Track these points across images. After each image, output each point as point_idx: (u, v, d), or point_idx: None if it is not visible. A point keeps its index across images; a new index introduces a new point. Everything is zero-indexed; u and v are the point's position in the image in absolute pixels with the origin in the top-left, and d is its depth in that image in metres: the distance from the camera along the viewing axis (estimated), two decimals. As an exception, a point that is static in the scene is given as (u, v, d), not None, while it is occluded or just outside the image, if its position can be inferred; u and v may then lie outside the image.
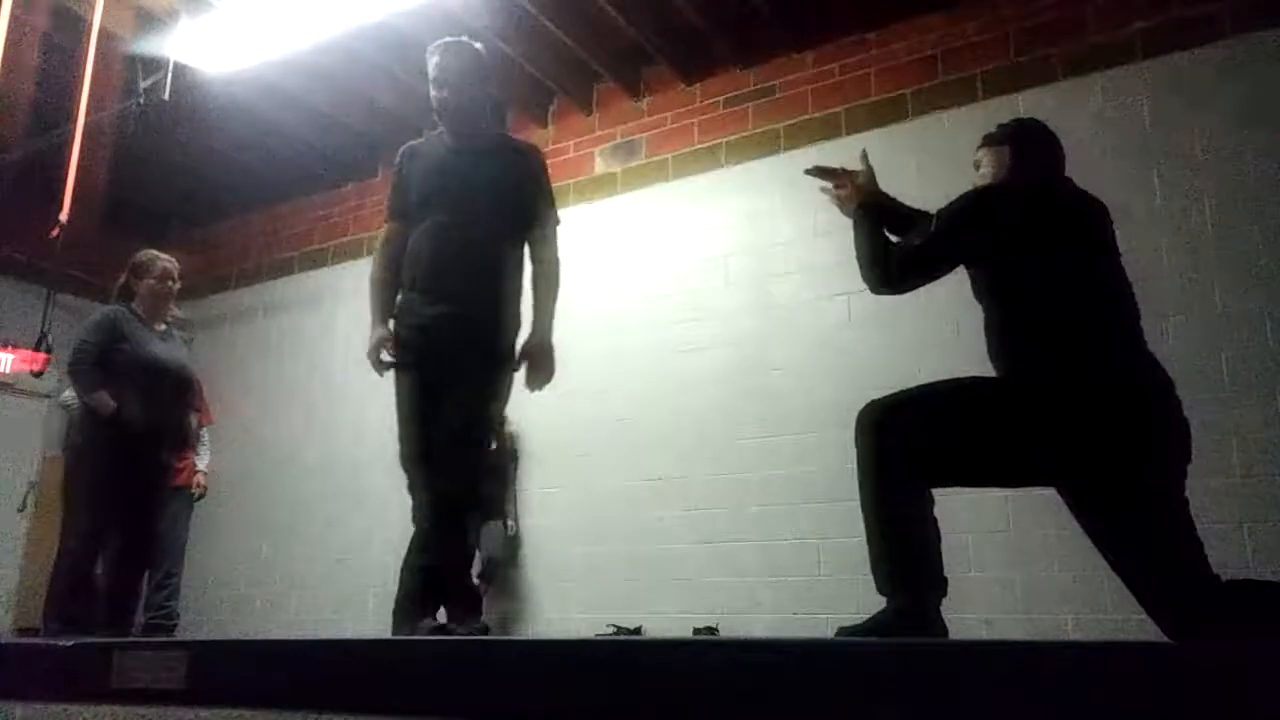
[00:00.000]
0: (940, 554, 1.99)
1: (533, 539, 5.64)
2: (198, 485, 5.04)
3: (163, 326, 3.85)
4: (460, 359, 2.65)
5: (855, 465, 2.07)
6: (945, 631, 1.94)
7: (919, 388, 2.15)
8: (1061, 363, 1.99)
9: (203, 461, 5.11)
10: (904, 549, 1.97)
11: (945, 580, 1.98)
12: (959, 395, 2.09)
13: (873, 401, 2.11)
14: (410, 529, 2.70)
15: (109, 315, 3.73)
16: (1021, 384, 2.02)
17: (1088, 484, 1.98)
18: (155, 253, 3.96)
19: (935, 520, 2.01)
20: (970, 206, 2.18)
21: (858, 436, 2.07)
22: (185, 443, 4.03)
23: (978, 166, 2.36)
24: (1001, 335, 2.11)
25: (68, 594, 3.56)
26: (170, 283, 3.86)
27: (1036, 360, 2.02)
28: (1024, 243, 2.08)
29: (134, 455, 3.58)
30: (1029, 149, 2.28)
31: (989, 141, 2.34)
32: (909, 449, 2.00)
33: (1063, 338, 2.01)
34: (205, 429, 5.19)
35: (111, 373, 3.60)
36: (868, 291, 5.30)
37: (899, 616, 1.91)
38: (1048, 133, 2.31)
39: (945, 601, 2.00)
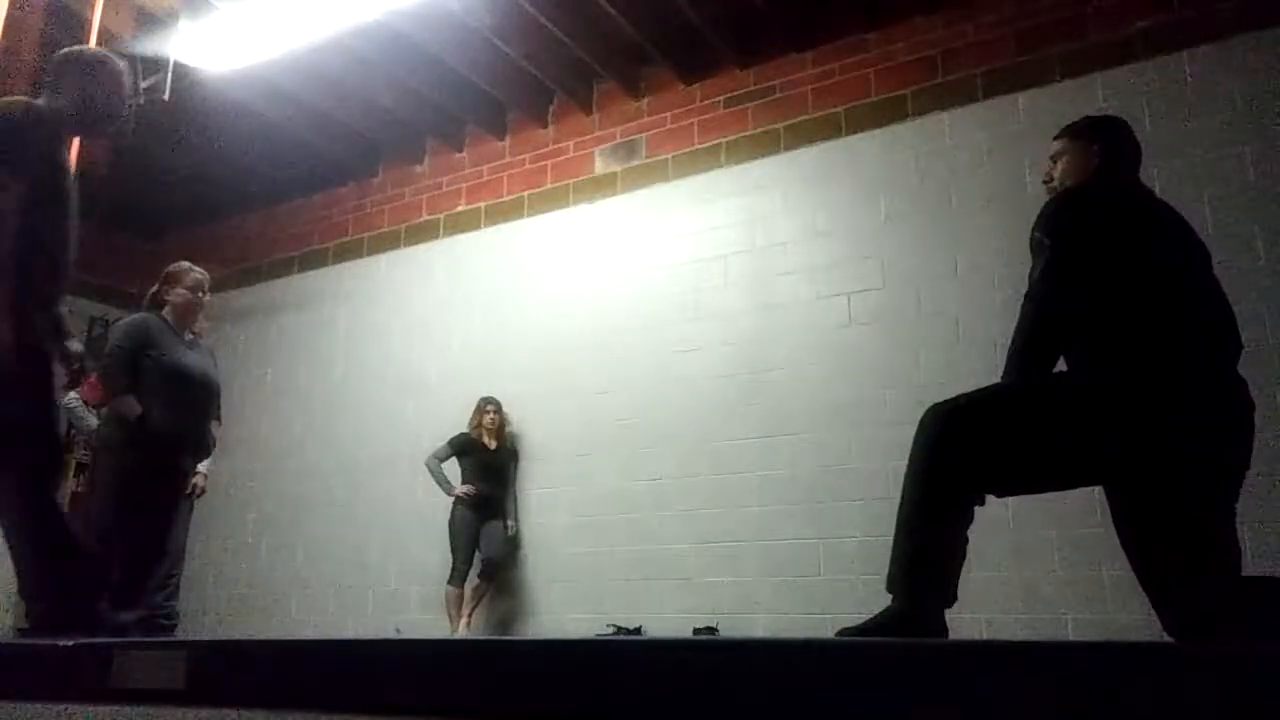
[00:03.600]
0: (959, 569, 1.96)
1: (533, 539, 5.64)
2: (196, 486, 5.02)
3: (190, 336, 3.93)
4: None
5: (906, 460, 2.02)
6: (945, 634, 1.93)
7: (986, 390, 2.06)
8: (1146, 362, 1.94)
9: (202, 463, 5.09)
10: (925, 556, 1.94)
11: (955, 595, 1.95)
12: (1028, 397, 2.02)
13: (937, 404, 2.03)
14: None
15: (140, 321, 3.80)
16: (1099, 381, 1.97)
17: (1151, 485, 1.93)
18: (188, 264, 4.03)
19: (966, 538, 1.97)
20: (1069, 212, 2.08)
21: (918, 437, 2.00)
22: (208, 451, 4.09)
23: (1056, 159, 2.27)
24: (1091, 329, 2.03)
25: (82, 591, 3.60)
26: (201, 294, 3.95)
27: (1121, 358, 1.97)
28: (1122, 241, 2.02)
29: (156, 461, 3.63)
30: (1121, 149, 2.22)
31: (1075, 134, 2.26)
32: (967, 461, 1.95)
33: (1152, 338, 1.96)
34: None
35: (139, 378, 3.66)
36: (868, 291, 5.32)
37: (898, 619, 1.90)
38: (1135, 137, 2.25)
39: None
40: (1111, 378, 1.96)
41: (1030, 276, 2.08)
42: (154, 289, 3.94)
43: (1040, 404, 2.01)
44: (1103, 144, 2.22)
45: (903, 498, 1.99)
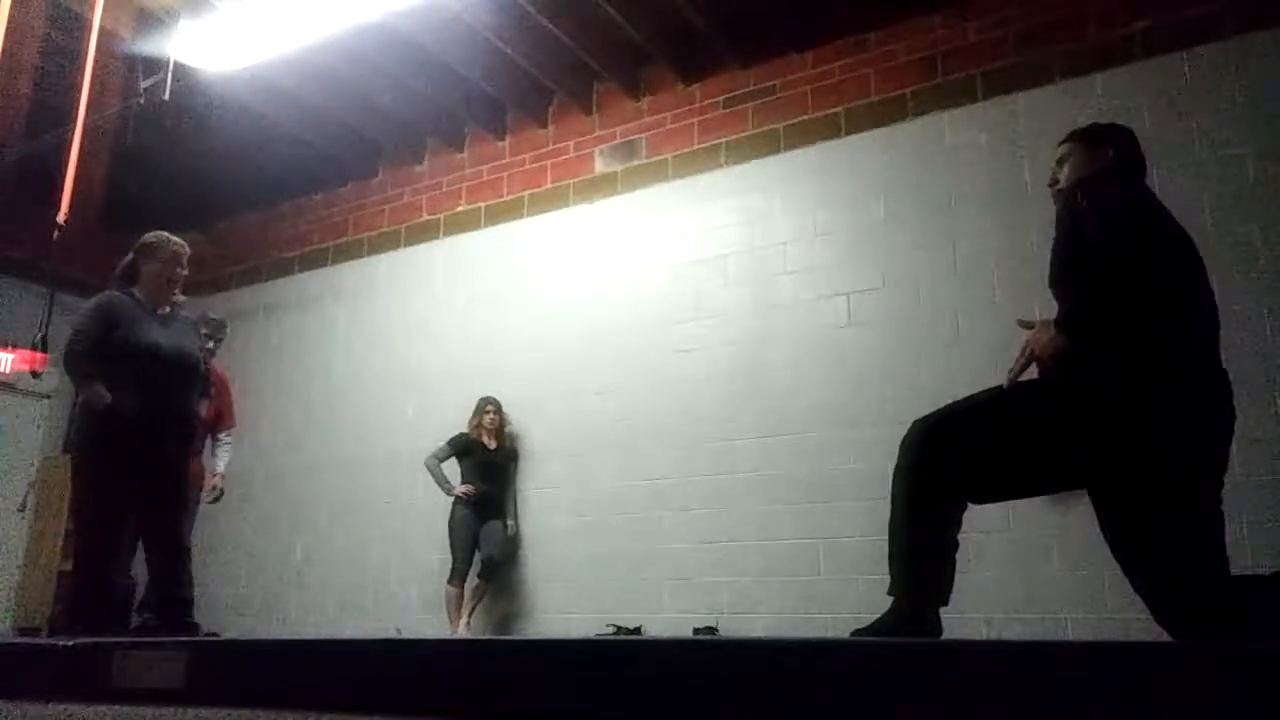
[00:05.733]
0: (952, 569, 2.04)
1: (533, 539, 5.64)
2: (213, 489, 4.89)
3: (165, 311, 3.61)
4: None
5: (891, 475, 2.09)
6: (939, 633, 2.01)
7: (965, 402, 2.11)
8: (1128, 364, 1.96)
9: (220, 464, 4.91)
10: (918, 561, 2.02)
11: (948, 595, 2.04)
12: (1006, 407, 2.06)
13: (919, 419, 2.10)
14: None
15: (103, 301, 3.50)
16: (1080, 385, 1.99)
17: (1134, 487, 1.95)
18: (166, 234, 3.71)
19: (956, 541, 2.05)
20: (1128, 229, 2.02)
21: (901, 452, 2.08)
22: (192, 433, 3.76)
23: (1062, 162, 2.27)
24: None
25: (87, 595, 3.41)
26: (178, 268, 3.64)
27: (1107, 359, 1.98)
28: (1142, 246, 2.01)
29: (136, 449, 3.38)
30: (1131, 156, 2.23)
31: (1084, 138, 2.27)
32: (951, 471, 2.02)
33: (1138, 341, 1.97)
34: (227, 431, 5.03)
35: (108, 362, 3.38)
36: (868, 291, 5.32)
37: (899, 618, 1.98)
38: (1140, 147, 2.27)
39: None
40: (1092, 380, 1.98)
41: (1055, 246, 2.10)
42: (127, 260, 3.63)
43: (1020, 412, 2.05)
44: (1114, 148, 2.22)
45: (891, 509, 2.07)
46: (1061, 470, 2.05)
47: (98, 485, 3.44)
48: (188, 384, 3.65)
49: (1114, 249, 1.99)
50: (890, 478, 2.11)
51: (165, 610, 3.57)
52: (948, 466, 2.02)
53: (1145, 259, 1.99)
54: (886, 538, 2.08)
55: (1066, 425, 1.97)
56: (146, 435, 3.42)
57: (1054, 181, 2.30)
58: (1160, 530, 1.93)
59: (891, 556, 2.05)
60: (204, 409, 3.81)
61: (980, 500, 2.10)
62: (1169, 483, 1.93)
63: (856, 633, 2.01)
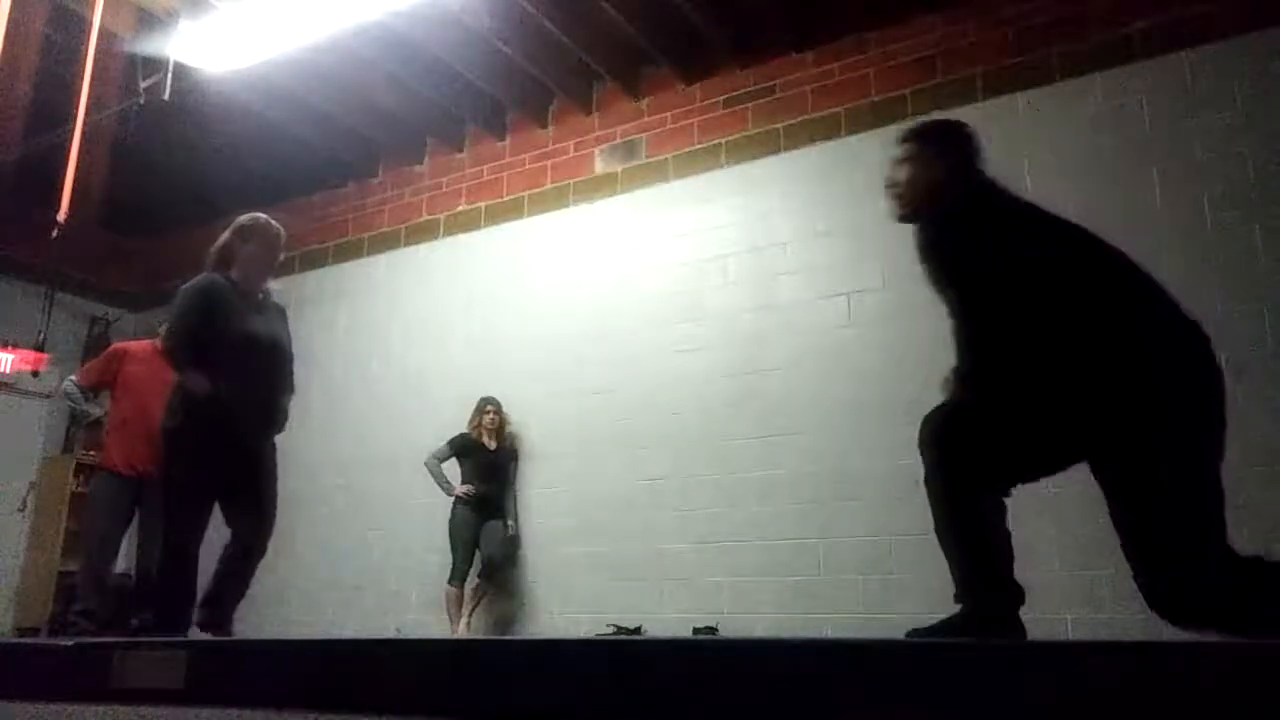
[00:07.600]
0: (1010, 560, 1.99)
1: (533, 539, 5.64)
2: None
3: (260, 297, 3.55)
4: None
5: (923, 476, 2.08)
6: (1023, 634, 1.95)
7: (969, 393, 2.12)
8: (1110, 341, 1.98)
9: None
10: (973, 557, 1.98)
11: (1020, 588, 1.99)
12: (1003, 394, 2.07)
13: (927, 417, 2.09)
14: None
15: (203, 287, 3.40)
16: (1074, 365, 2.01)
17: (1135, 452, 1.93)
18: (263, 217, 3.64)
19: (1007, 530, 2.01)
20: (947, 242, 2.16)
21: (923, 450, 2.07)
22: (280, 426, 3.71)
23: (902, 164, 2.28)
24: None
25: (170, 589, 3.35)
26: (276, 251, 3.59)
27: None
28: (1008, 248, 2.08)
29: (226, 439, 3.34)
30: (970, 157, 2.34)
31: (922, 140, 2.30)
32: (976, 458, 2.01)
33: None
34: None
35: (207, 349, 3.30)
36: (867, 291, 5.32)
37: (967, 620, 1.93)
38: (973, 138, 2.33)
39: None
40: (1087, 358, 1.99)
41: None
42: (223, 241, 3.54)
43: (1017, 396, 2.05)
44: (954, 153, 2.32)
45: (932, 509, 2.04)
46: (1066, 446, 2.04)
47: (192, 474, 3.36)
48: (279, 375, 3.59)
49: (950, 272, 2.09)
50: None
51: (210, 609, 3.47)
52: (971, 459, 2.00)
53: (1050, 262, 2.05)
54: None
55: (1060, 401, 1.98)
56: (236, 425, 3.37)
57: (894, 184, 2.29)
58: (1156, 499, 1.90)
59: (947, 556, 2.01)
60: (289, 403, 3.75)
61: (1009, 482, 2.07)
62: (1157, 446, 1.91)
63: (913, 633, 1.97)
